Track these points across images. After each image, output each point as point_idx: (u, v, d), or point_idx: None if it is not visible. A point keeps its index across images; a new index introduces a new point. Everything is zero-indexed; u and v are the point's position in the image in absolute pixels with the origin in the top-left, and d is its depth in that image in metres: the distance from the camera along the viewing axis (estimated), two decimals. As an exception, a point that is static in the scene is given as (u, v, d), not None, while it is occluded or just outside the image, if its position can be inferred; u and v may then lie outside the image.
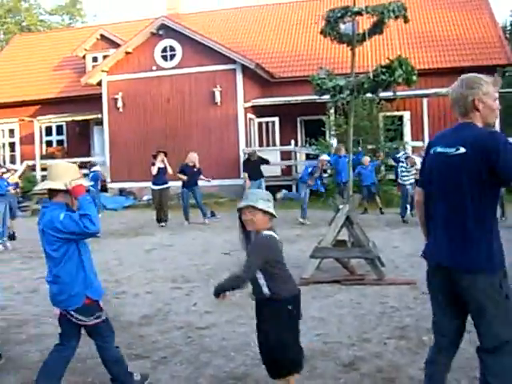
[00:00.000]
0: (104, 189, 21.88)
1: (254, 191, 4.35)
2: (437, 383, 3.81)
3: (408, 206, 15.43)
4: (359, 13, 8.40)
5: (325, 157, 16.23)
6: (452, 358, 3.85)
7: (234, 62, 21.94)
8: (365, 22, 9.13)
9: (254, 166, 17.73)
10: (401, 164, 15.89)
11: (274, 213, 4.18)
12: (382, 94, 9.53)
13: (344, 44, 9.12)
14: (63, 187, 4.30)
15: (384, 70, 8.13)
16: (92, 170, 15.46)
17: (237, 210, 4.22)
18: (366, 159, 17.25)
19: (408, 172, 15.43)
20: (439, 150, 3.69)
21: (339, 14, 8.48)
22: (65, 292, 4.40)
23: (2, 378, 5.34)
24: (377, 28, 8.74)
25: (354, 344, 5.81)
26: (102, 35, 27.79)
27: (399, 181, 15.91)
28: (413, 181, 14.96)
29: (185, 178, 15.89)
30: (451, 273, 3.57)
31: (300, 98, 21.85)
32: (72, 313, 4.45)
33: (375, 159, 18.23)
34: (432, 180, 3.76)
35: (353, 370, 5.14)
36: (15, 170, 16.99)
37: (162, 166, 15.99)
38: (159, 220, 15.85)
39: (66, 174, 4.37)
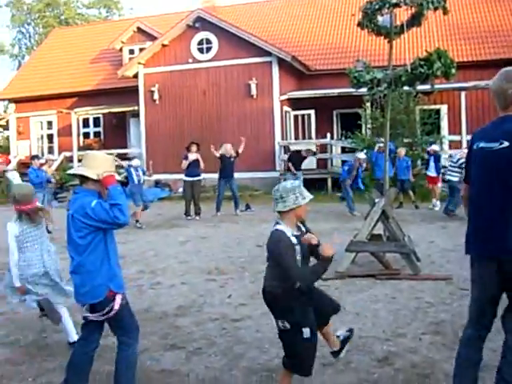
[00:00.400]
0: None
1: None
2: (473, 366, 3.87)
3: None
4: (397, 4, 8.28)
5: (361, 155, 16.13)
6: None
7: (269, 54, 21.89)
8: (402, 14, 9.02)
9: (298, 159, 17.74)
10: (450, 159, 15.49)
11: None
12: (419, 87, 9.41)
13: (381, 36, 9.02)
14: (95, 177, 4.28)
15: (422, 62, 8.02)
16: (135, 164, 15.46)
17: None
18: (402, 151, 16.94)
19: (456, 167, 14.92)
20: (482, 145, 3.68)
21: (377, 6, 8.37)
22: (87, 283, 4.28)
23: (40, 364, 5.44)
24: (415, 20, 8.62)
25: (388, 339, 5.78)
26: (138, 28, 27.98)
27: (448, 177, 15.29)
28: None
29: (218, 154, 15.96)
30: (501, 262, 3.61)
31: (336, 91, 21.71)
32: (89, 310, 4.35)
33: (410, 154, 17.86)
34: (477, 175, 3.75)
35: (387, 364, 5.11)
36: (53, 161, 17.07)
37: (194, 158, 16.03)
38: (187, 213, 15.88)
39: (101, 165, 4.34)
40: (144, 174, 15.35)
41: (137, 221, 14.31)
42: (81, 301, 4.39)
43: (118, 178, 4.42)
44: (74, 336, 5.80)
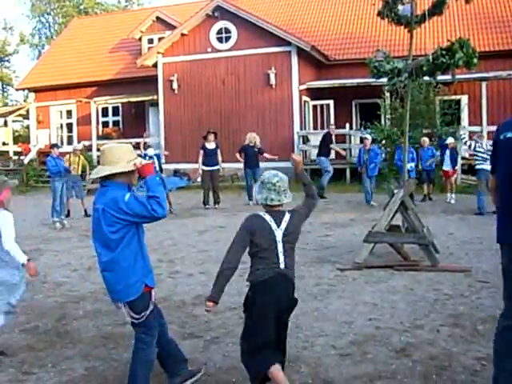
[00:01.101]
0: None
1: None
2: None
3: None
4: (419, -7, 8.22)
5: (368, 136, 16.38)
6: None
7: (289, 43, 21.80)
8: (423, 3, 8.93)
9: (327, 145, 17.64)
10: (478, 148, 14.73)
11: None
12: (440, 78, 9.34)
13: (402, 26, 8.94)
14: (131, 168, 4.13)
15: (444, 52, 7.93)
16: (150, 153, 15.48)
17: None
18: (425, 140, 16.63)
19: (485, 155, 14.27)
20: (510, 135, 3.66)
21: (398, -5, 8.32)
22: (121, 281, 4.13)
23: (60, 351, 5.50)
24: (436, 8, 8.53)
25: (406, 330, 5.76)
26: (157, 17, 27.99)
27: (481, 166, 14.27)
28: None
29: (241, 159, 15.94)
30: None
31: (355, 81, 21.59)
32: (126, 307, 4.21)
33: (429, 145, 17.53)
34: (506, 165, 3.73)
35: (405, 356, 5.09)
36: (81, 150, 16.97)
37: (212, 147, 16.02)
38: (206, 203, 15.89)
39: (122, 155, 4.21)
40: (160, 162, 15.43)
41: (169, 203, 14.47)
42: (116, 299, 4.23)
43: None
44: None
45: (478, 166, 14.02)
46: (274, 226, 4.17)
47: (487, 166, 14.04)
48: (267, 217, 4.21)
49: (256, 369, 4.18)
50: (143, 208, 3.95)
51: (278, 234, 4.17)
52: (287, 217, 4.25)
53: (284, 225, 4.20)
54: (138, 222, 4.10)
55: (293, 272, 4.27)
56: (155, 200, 3.94)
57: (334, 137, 18.15)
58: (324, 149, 17.29)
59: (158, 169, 15.08)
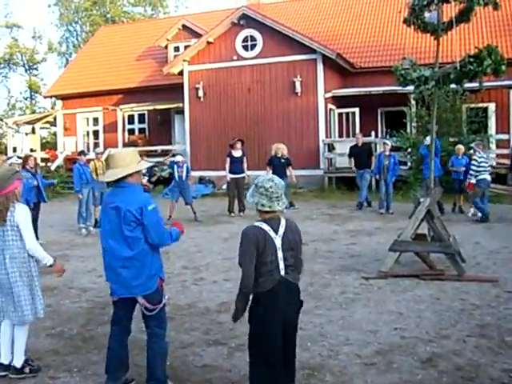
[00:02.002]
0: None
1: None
2: None
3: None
4: (447, 0, 8.14)
5: (388, 142, 16.15)
6: None
7: (314, 51, 21.78)
8: (449, 10, 8.87)
9: (360, 153, 16.99)
10: (479, 159, 14.35)
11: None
12: (467, 85, 9.23)
13: (428, 33, 8.88)
14: (143, 167, 4.73)
15: (472, 59, 7.85)
16: (179, 158, 15.54)
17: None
18: (460, 148, 15.65)
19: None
20: None
21: (425, 2, 8.24)
22: (142, 274, 4.45)
23: (85, 356, 5.54)
24: (464, 15, 8.44)
25: (432, 340, 5.71)
26: (183, 25, 28.15)
27: (481, 176, 13.96)
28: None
29: (269, 171, 15.87)
30: None
31: (381, 89, 21.49)
32: (143, 300, 4.50)
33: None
34: None
35: (431, 366, 5.05)
36: (102, 153, 16.47)
37: (239, 154, 16.04)
38: (230, 210, 15.87)
39: (133, 158, 4.65)
40: (188, 171, 15.38)
41: (170, 217, 14.39)
42: (134, 293, 4.50)
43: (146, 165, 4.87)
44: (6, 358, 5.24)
45: (481, 176, 13.95)
46: (272, 234, 4.09)
47: (489, 176, 14.19)
48: (265, 226, 4.11)
49: None
50: (158, 227, 4.47)
51: (278, 241, 4.10)
52: (283, 222, 4.17)
53: (282, 230, 4.12)
54: (144, 230, 4.44)
55: (295, 275, 4.19)
56: (168, 239, 4.59)
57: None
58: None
59: (184, 177, 15.14)
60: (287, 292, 4.12)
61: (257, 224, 4.17)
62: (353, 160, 17.17)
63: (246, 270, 4.05)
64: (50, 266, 5.21)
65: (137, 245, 4.43)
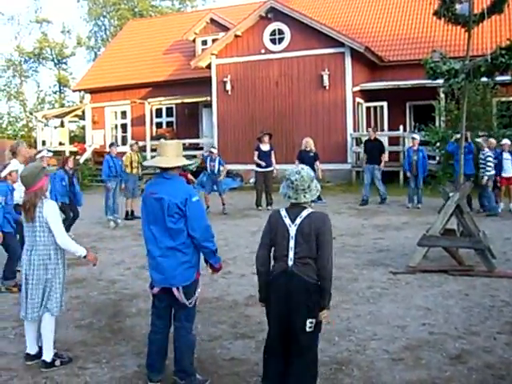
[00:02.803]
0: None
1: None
2: None
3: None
4: (477, -9, 8.02)
5: (416, 136, 16.01)
6: None
7: (342, 45, 21.63)
8: (481, 1, 8.73)
9: (372, 148, 16.85)
10: (488, 153, 14.26)
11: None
12: (497, 78, 9.09)
13: (459, 25, 8.75)
14: (185, 162, 4.71)
15: (504, 51, 7.72)
16: (214, 150, 15.71)
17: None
18: (492, 141, 15.04)
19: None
20: None
21: (456, -6, 8.14)
22: (180, 266, 4.48)
23: (113, 348, 5.58)
24: (496, 7, 8.30)
25: (461, 336, 5.64)
26: (211, 19, 28.17)
27: (489, 173, 14.10)
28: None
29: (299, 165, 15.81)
30: None
31: (410, 83, 21.28)
32: (179, 291, 4.51)
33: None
34: None
35: (460, 363, 4.99)
36: (137, 144, 15.88)
37: (267, 148, 16.03)
38: (258, 204, 15.90)
39: (180, 152, 4.74)
40: (220, 164, 15.50)
41: (207, 207, 14.62)
42: (173, 283, 4.51)
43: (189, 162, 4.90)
44: (33, 349, 5.34)
45: (489, 173, 14.00)
46: (288, 221, 4.12)
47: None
48: (283, 212, 4.19)
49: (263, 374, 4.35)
50: (201, 219, 4.51)
51: (292, 229, 4.09)
52: (305, 213, 4.13)
53: (299, 220, 4.10)
54: (186, 222, 4.46)
55: (306, 270, 4.05)
56: (211, 235, 4.61)
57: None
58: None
59: (216, 170, 15.30)
60: (290, 284, 4.05)
61: (279, 208, 4.28)
62: (365, 155, 17.03)
63: (258, 252, 4.31)
64: (84, 257, 5.26)
65: (179, 236, 4.47)
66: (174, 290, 4.50)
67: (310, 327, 4.07)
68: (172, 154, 4.62)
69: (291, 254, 4.08)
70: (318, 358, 4.32)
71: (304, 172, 4.18)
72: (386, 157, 20.00)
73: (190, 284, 4.54)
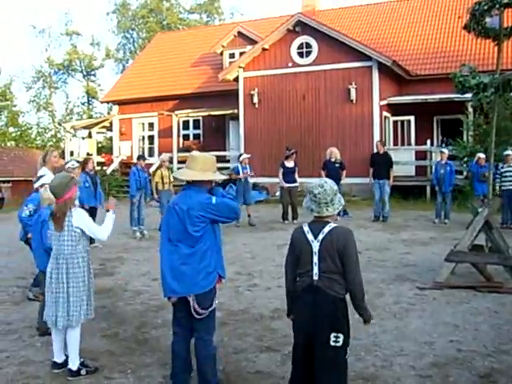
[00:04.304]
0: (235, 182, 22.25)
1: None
2: None
3: None
4: (509, 4, 7.92)
5: (445, 150, 15.88)
6: None
7: (370, 58, 21.58)
8: (510, 15, 8.64)
9: (380, 162, 16.49)
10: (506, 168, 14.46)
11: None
12: (529, 93, 8.98)
13: (489, 39, 8.68)
14: (212, 178, 4.74)
15: (534, 66, 7.66)
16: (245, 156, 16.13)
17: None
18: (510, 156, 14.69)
19: None
20: None
21: (486, 7, 8.04)
22: (201, 271, 4.52)
23: (139, 358, 5.60)
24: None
25: (490, 354, 5.55)
26: (239, 32, 28.32)
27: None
28: None
29: (324, 175, 15.72)
30: None
31: (437, 97, 21.17)
32: (193, 302, 4.51)
33: None
34: None
35: (490, 382, 4.92)
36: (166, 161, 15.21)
37: (291, 165, 16.08)
38: (284, 218, 15.92)
39: (212, 167, 4.76)
40: (250, 170, 15.90)
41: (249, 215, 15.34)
42: (192, 291, 4.53)
43: (222, 177, 4.94)
44: (59, 357, 5.40)
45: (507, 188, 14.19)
46: (310, 237, 4.09)
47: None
48: (306, 228, 4.16)
49: None
50: (228, 207, 4.65)
51: (315, 245, 4.06)
52: (327, 228, 4.08)
53: (321, 236, 4.05)
54: (223, 221, 4.68)
55: (332, 285, 4.00)
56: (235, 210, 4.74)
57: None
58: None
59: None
60: (316, 299, 4.01)
61: (301, 225, 4.25)
62: (371, 169, 16.61)
63: (285, 271, 4.32)
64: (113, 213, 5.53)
65: (200, 243, 4.54)
66: (190, 299, 4.51)
67: (335, 341, 3.99)
68: (200, 168, 4.65)
69: (316, 270, 4.05)
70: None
71: (327, 185, 4.15)
72: (413, 171, 19.92)
73: (207, 292, 4.55)
